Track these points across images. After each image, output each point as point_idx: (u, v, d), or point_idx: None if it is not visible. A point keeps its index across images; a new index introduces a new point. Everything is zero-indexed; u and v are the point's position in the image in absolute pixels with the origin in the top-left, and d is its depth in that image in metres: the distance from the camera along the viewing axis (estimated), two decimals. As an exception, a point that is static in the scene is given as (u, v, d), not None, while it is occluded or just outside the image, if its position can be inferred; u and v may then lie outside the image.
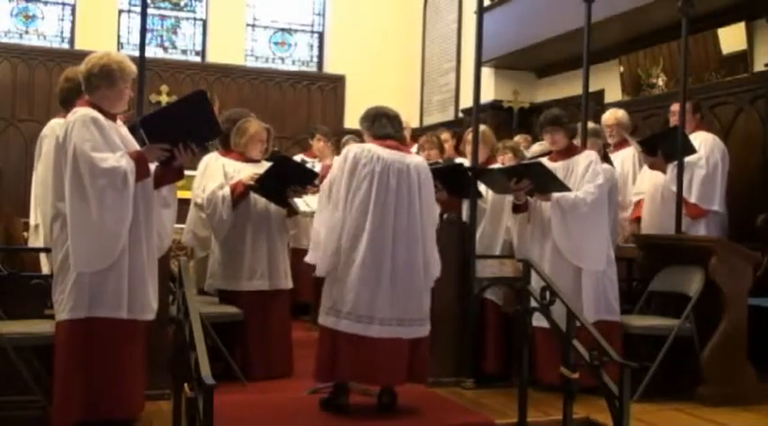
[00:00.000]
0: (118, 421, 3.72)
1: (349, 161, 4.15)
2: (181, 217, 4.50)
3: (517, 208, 4.94)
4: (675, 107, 5.98)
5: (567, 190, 4.71)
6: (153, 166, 3.79)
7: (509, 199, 5.04)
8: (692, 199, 5.64)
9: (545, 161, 4.93)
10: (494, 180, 4.95)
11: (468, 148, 5.32)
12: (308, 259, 4.22)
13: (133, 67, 3.84)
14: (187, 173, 4.28)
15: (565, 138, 4.98)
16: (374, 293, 4.03)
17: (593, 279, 4.70)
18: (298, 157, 7.37)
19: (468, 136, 5.34)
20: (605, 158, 5.50)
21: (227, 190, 4.85)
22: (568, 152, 4.97)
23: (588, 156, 4.90)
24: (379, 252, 4.05)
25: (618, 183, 5.65)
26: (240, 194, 4.85)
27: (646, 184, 6.02)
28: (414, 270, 4.13)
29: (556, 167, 4.85)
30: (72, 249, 3.57)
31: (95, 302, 3.61)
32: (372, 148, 4.19)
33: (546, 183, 4.70)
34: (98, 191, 3.55)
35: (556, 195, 4.70)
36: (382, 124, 4.28)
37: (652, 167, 5.92)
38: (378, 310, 4.04)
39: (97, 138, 3.62)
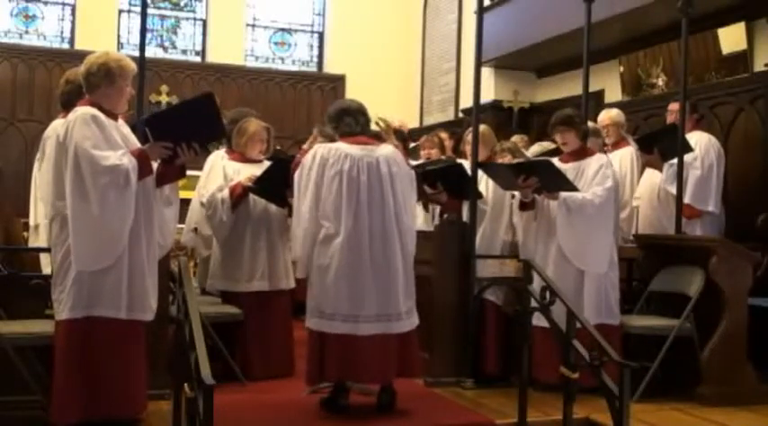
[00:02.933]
0: (119, 420, 3.72)
1: (316, 161, 4.14)
2: (181, 218, 4.50)
3: (524, 206, 4.92)
4: (673, 106, 5.98)
5: (576, 190, 4.69)
6: (155, 164, 3.80)
7: (510, 201, 5.04)
8: (686, 200, 5.63)
9: (556, 161, 4.91)
10: (500, 174, 4.92)
11: (468, 148, 5.31)
12: (292, 256, 4.26)
13: (132, 65, 3.84)
14: (192, 173, 4.28)
15: (576, 139, 4.92)
16: (355, 292, 4.03)
17: (595, 281, 4.68)
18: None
19: (469, 136, 5.33)
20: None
21: (226, 192, 4.85)
22: (580, 154, 4.92)
23: (599, 160, 4.85)
24: (356, 250, 4.04)
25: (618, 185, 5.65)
26: (239, 195, 4.85)
27: (641, 187, 6.03)
28: (392, 265, 4.11)
29: (566, 168, 4.81)
30: (73, 248, 3.57)
31: (94, 302, 3.61)
32: (340, 147, 4.17)
33: (554, 182, 4.68)
34: (100, 190, 3.55)
35: (564, 194, 4.67)
36: (346, 123, 4.26)
37: (648, 165, 5.92)
38: (361, 308, 4.03)
39: (98, 136, 3.62)
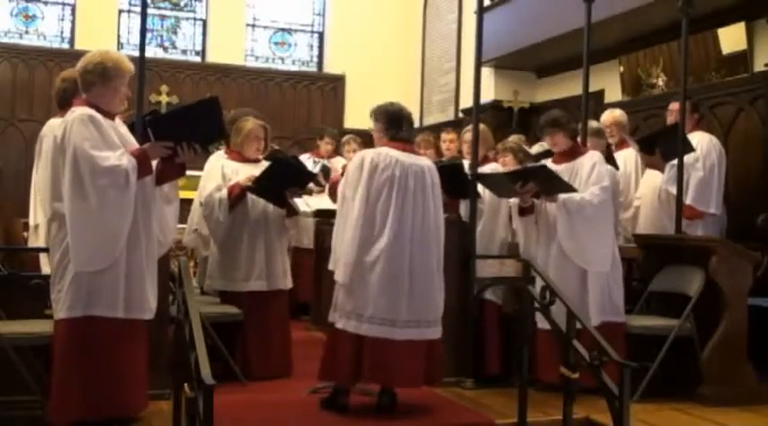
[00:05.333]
0: (117, 419, 3.72)
1: (366, 166, 4.12)
2: (181, 218, 4.50)
3: (523, 211, 4.91)
4: (673, 106, 5.97)
5: (574, 191, 4.68)
6: (155, 163, 3.80)
7: (507, 201, 5.02)
8: (688, 201, 5.62)
9: (549, 163, 4.90)
10: (498, 183, 4.92)
11: (465, 147, 5.30)
12: (330, 267, 4.24)
13: (129, 65, 3.83)
14: (193, 173, 4.28)
15: (566, 139, 4.92)
16: (395, 296, 4.04)
17: (598, 280, 4.68)
18: (305, 156, 7.36)
19: (466, 135, 5.32)
20: (610, 159, 5.47)
21: (223, 193, 4.85)
22: (572, 153, 4.91)
23: (592, 158, 4.85)
24: (398, 255, 4.06)
25: (620, 184, 5.64)
26: (237, 196, 4.84)
27: (643, 187, 6.02)
28: (428, 273, 4.16)
29: (560, 170, 4.80)
30: (72, 249, 3.57)
31: (92, 301, 3.62)
32: (390, 153, 4.17)
33: (552, 185, 4.68)
34: (99, 190, 3.55)
35: (562, 196, 4.67)
36: (403, 129, 4.26)
37: (650, 166, 5.92)
38: (398, 313, 4.05)
39: (96, 137, 3.62)
